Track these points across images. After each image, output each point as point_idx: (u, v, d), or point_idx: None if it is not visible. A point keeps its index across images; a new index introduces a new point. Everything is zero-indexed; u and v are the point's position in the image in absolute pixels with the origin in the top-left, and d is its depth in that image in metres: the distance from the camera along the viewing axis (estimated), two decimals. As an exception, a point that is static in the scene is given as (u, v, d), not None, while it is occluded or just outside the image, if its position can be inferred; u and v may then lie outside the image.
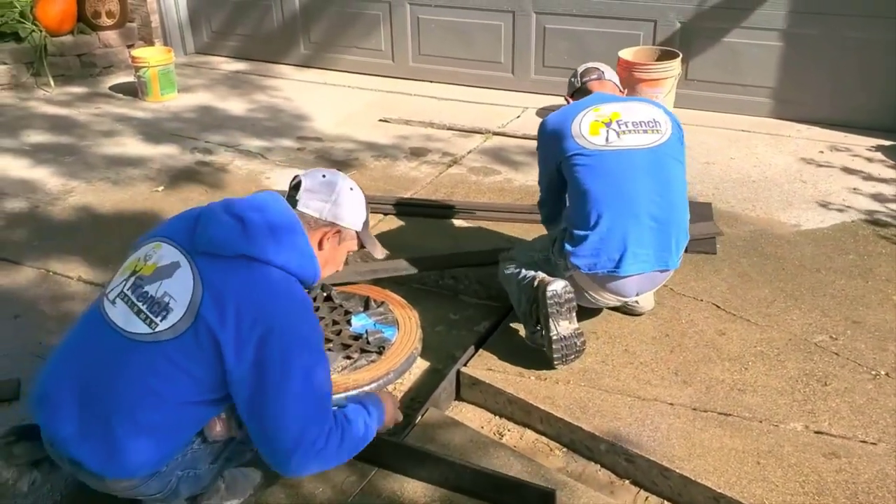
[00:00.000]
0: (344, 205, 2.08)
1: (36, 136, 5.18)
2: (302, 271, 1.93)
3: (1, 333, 3.06)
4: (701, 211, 3.87)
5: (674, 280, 3.25)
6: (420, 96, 5.88)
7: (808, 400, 2.57)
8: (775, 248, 3.54)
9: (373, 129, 5.24)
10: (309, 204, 2.04)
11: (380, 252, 2.29)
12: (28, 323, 3.14)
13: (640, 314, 3.06)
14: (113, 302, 1.90)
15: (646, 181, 2.78)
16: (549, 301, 2.67)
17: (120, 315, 1.86)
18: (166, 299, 1.81)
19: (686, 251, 3.46)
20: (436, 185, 4.32)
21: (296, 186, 2.08)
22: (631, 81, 4.76)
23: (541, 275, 2.81)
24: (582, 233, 2.80)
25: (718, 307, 3.10)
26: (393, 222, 3.88)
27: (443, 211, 3.95)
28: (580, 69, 3.15)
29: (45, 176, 4.55)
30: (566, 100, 3.13)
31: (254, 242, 1.86)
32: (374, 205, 3.99)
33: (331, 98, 5.94)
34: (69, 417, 1.84)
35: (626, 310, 3.07)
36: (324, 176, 2.10)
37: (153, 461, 1.85)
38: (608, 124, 2.81)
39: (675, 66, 4.74)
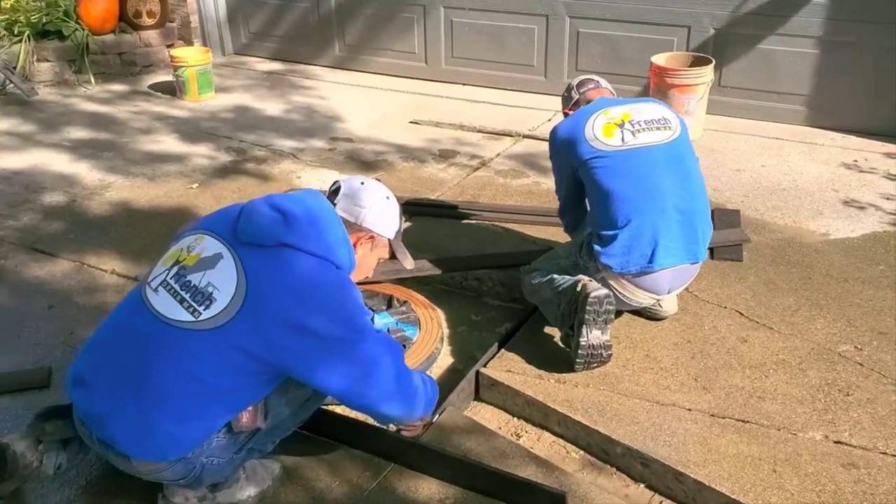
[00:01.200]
0: (379, 212, 2.17)
1: (76, 133, 5.31)
2: (340, 259, 2.00)
3: (34, 323, 3.16)
4: (729, 218, 3.85)
5: (699, 286, 3.24)
6: (452, 98, 5.91)
7: (829, 409, 2.55)
8: (802, 257, 3.51)
9: (403, 131, 5.28)
10: (346, 208, 2.13)
11: (409, 263, 2.36)
12: (61, 313, 3.23)
13: (662, 318, 3.06)
14: (155, 290, 1.97)
15: (667, 175, 2.82)
16: (588, 307, 2.67)
17: (162, 303, 1.93)
18: (210, 289, 1.89)
19: (712, 258, 3.48)
20: (462, 187, 4.35)
21: (335, 191, 2.17)
22: (662, 87, 4.74)
23: (585, 278, 2.80)
24: (610, 232, 2.81)
25: (742, 314, 3.08)
26: (418, 223, 3.91)
27: (467, 212, 3.98)
28: (574, 82, 3.23)
29: (83, 171, 4.67)
30: (564, 113, 3.17)
31: (294, 232, 1.95)
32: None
33: (364, 100, 6.00)
34: (104, 397, 1.92)
35: (648, 314, 3.06)
36: (362, 183, 2.19)
37: (181, 446, 1.91)
38: (621, 125, 2.85)
39: (707, 72, 4.71)
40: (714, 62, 4.82)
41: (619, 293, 2.86)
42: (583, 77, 3.24)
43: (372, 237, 2.18)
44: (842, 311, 3.09)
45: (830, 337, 2.93)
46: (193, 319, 1.88)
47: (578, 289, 2.74)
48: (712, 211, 3.88)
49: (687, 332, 2.99)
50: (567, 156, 2.98)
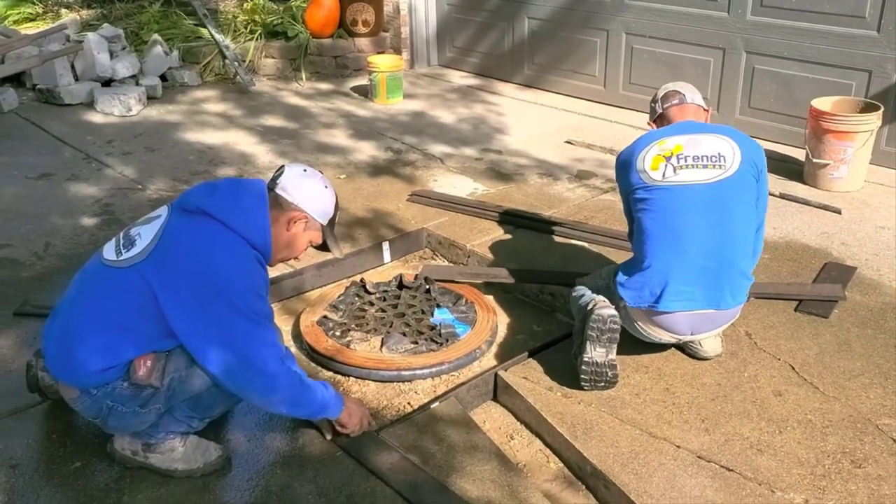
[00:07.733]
0: (315, 197, 2.42)
1: (271, 120, 6.05)
2: (251, 234, 2.26)
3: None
4: (840, 274, 3.58)
5: (765, 334, 3.11)
6: (619, 123, 5.93)
7: (827, 476, 2.38)
8: (900, 325, 3.20)
9: (554, 149, 5.41)
10: (285, 187, 2.39)
11: (339, 252, 2.58)
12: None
13: (703, 358, 2.97)
14: (111, 242, 2.36)
15: (697, 218, 2.74)
16: (591, 324, 2.73)
17: (108, 248, 2.34)
18: (136, 238, 2.27)
19: (796, 310, 3.29)
20: (579, 208, 4.40)
21: (279, 174, 2.43)
22: (818, 131, 4.46)
23: (600, 298, 2.86)
24: (634, 266, 2.83)
25: (794, 369, 2.91)
26: (518, 234, 4.06)
27: (566, 231, 4.05)
28: (661, 93, 3.09)
29: (260, 153, 5.33)
30: (649, 125, 3.14)
31: (214, 202, 2.25)
32: (508, 216, 4.20)
33: (534, 116, 6.20)
34: (50, 326, 2.32)
35: (689, 351, 3.00)
36: (305, 170, 2.45)
37: (85, 371, 2.21)
38: (668, 158, 2.80)
39: (870, 119, 4.35)
40: (883, 109, 4.44)
41: (639, 327, 2.86)
42: (669, 89, 3.08)
43: (305, 219, 2.41)
44: (910, 385, 2.81)
45: (878, 408, 2.69)
46: (116, 259, 2.25)
47: (590, 307, 2.78)
48: (825, 264, 3.68)
49: (723, 375, 2.89)
50: (622, 181, 3.00)
